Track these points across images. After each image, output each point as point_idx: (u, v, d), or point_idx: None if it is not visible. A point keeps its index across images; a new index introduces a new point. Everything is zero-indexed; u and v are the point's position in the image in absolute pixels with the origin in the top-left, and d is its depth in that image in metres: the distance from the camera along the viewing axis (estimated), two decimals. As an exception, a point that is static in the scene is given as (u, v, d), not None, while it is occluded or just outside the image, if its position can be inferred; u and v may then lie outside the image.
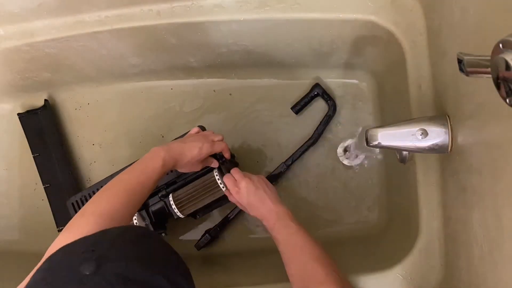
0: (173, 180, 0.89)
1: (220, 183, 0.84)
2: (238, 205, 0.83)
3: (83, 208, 0.63)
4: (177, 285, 0.45)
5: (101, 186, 0.90)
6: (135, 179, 0.68)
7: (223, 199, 0.90)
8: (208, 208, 0.92)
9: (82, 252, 0.44)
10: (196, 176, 0.88)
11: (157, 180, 0.71)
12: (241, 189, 0.80)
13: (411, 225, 0.80)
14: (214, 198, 0.86)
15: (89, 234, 0.56)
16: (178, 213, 0.86)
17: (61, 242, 0.57)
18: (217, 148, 0.81)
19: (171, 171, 0.86)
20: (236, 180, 0.82)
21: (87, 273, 0.41)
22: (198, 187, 0.86)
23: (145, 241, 0.49)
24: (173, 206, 0.86)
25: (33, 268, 0.79)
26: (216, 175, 0.84)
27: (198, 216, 0.95)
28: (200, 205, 0.87)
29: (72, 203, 0.94)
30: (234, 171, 0.84)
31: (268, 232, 0.77)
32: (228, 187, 0.82)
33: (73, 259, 0.44)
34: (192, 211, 0.88)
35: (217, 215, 1.05)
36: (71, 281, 0.41)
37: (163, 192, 0.88)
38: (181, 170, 0.80)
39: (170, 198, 0.86)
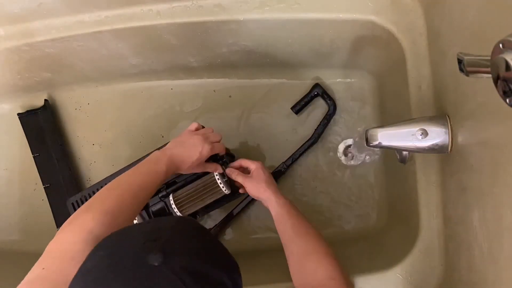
0: (173, 180, 0.89)
1: (220, 183, 0.84)
2: (252, 189, 0.83)
3: (88, 204, 0.62)
4: (237, 285, 0.46)
5: (101, 186, 0.90)
6: (140, 181, 0.68)
7: (223, 199, 0.90)
8: (208, 208, 0.92)
9: (143, 242, 0.43)
10: (196, 176, 0.88)
11: (160, 184, 0.71)
12: (257, 168, 0.84)
13: (411, 225, 0.80)
14: (215, 198, 0.86)
15: (93, 230, 0.56)
16: (179, 214, 0.86)
17: (65, 236, 0.56)
18: (217, 150, 0.81)
19: None
20: (242, 168, 0.87)
21: (156, 264, 0.41)
22: (199, 187, 0.86)
23: (202, 235, 0.49)
24: (173, 207, 0.86)
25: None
26: (217, 175, 0.84)
27: (198, 216, 0.95)
28: (200, 206, 0.87)
29: (72, 203, 0.93)
30: (241, 161, 0.87)
31: (275, 210, 0.78)
32: (237, 175, 0.84)
33: (137, 248, 0.43)
34: (192, 211, 0.88)
35: (217, 215, 1.05)
36: (139, 271, 0.41)
37: (163, 193, 0.88)
38: (182, 173, 0.80)
39: (171, 198, 0.86)
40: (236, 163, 0.87)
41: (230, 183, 0.86)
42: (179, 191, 0.87)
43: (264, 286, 0.83)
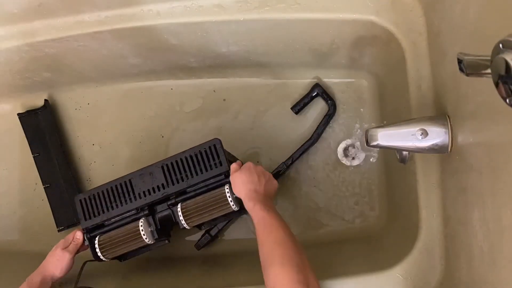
0: (183, 190, 0.87)
1: (230, 200, 0.82)
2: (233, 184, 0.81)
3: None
4: None
5: (110, 187, 0.88)
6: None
7: (230, 215, 0.87)
8: (214, 221, 0.91)
9: None
10: (207, 188, 0.87)
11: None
12: (243, 167, 0.80)
13: (411, 225, 0.80)
14: (222, 213, 0.84)
15: None
16: (185, 224, 0.84)
17: None
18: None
19: (173, 184, 0.87)
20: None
21: None
22: (208, 200, 0.84)
23: None
24: (181, 217, 0.84)
25: (33, 268, 0.78)
26: (227, 191, 0.83)
27: (203, 227, 0.93)
28: (207, 219, 0.84)
29: (80, 200, 0.91)
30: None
31: (259, 215, 0.75)
32: (232, 166, 0.82)
33: None
34: (198, 223, 0.86)
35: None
36: None
37: (172, 201, 0.87)
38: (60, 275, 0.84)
39: (179, 208, 0.84)
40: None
41: (239, 200, 0.83)
42: (188, 202, 0.85)
43: (263, 286, 0.82)
